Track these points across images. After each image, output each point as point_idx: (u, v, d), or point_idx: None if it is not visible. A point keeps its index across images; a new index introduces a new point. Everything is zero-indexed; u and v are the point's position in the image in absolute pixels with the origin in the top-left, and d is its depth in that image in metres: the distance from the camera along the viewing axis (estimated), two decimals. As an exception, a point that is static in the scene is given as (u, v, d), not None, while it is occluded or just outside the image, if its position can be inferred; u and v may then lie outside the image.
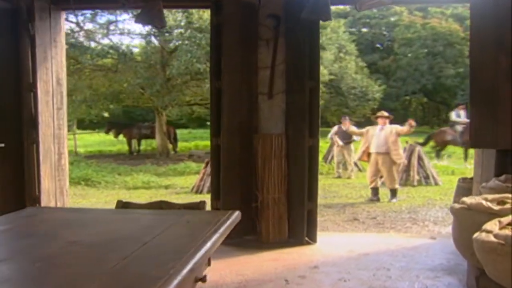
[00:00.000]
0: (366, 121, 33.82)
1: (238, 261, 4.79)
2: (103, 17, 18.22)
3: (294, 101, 5.41)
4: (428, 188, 11.23)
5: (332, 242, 5.48)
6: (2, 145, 5.29)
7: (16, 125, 5.45)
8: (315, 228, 5.42)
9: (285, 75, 5.49)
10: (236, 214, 2.65)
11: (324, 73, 23.44)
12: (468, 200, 3.79)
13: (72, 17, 17.74)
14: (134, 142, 21.18)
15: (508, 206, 3.61)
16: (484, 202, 3.62)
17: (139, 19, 4.55)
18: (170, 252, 1.89)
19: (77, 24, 17.80)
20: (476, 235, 3.26)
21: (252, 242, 5.41)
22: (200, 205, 3.14)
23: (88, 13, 18.27)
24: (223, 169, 5.34)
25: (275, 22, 5.44)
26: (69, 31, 17.58)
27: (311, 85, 5.31)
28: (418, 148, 12.15)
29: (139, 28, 22.80)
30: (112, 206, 8.49)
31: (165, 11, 15.11)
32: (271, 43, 5.56)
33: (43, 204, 5.52)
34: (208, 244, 1.99)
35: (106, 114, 21.60)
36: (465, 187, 5.84)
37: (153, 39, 18.03)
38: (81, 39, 17.20)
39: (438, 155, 16.25)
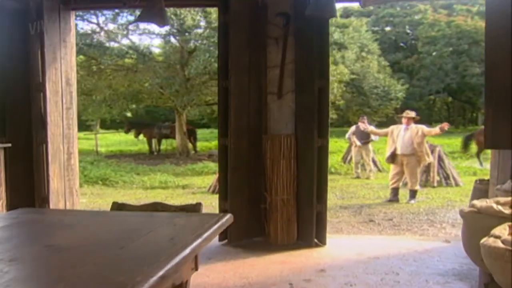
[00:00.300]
0: (389, 121, 33.49)
1: (244, 263, 4.71)
2: (124, 18, 18.36)
3: (303, 101, 5.31)
4: (448, 189, 10.99)
5: (342, 245, 5.36)
6: (9, 145, 5.31)
7: (25, 125, 5.46)
8: (324, 230, 5.30)
9: (294, 75, 5.41)
10: (227, 218, 2.55)
11: (345, 72, 23.21)
12: (478, 203, 3.64)
13: (93, 18, 17.92)
14: (154, 141, 21.27)
15: (519, 210, 3.45)
16: (494, 206, 3.47)
17: (140, 17, 4.51)
18: (145, 258, 1.81)
19: (98, 24, 17.95)
20: (483, 240, 3.12)
21: (261, 244, 5.34)
22: (196, 207, 3.06)
23: (109, 13, 18.45)
24: (230, 170, 5.27)
25: (285, 20, 5.36)
26: (89, 32, 17.77)
27: (320, 84, 5.20)
28: (438, 148, 11.90)
29: (158, 28, 22.88)
30: None
31: (183, 11, 15.12)
32: (281, 41, 5.48)
33: (51, 204, 5.53)
34: (187, 250, 1.90)
35: (129, 114, 21.72)
36: (482, 189, 5.66)
37: (172, 39, 18.08)
38: (102, 39, 17.30)
39: (479, 157, 14.73)
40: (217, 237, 5.38)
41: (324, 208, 5.27)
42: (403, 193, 9.68)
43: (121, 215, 2.63)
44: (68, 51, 5.73)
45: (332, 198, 10.17)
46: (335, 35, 29.54)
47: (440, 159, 11.58)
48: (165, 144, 22.00)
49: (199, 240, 2.06)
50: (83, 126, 31.17)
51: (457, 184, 11.37)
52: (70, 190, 5.83)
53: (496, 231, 3.14)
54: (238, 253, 5.02)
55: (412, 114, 9.65)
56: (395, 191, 9.59)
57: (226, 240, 5.35)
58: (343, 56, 27.86)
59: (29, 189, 5.48)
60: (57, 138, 5.60)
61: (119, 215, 2.65)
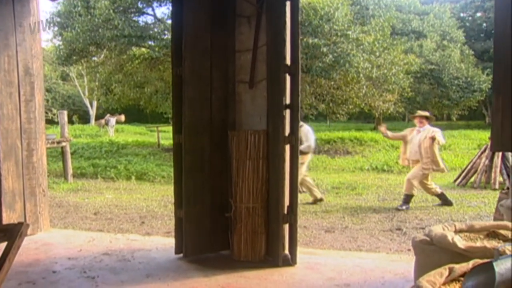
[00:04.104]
0: (471, 114, 30.97)
1: (183, 285, 3.93)
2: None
3: (272, 92, 4.41)
4: (512, 193, 9.46)
5: (315, 265, 4.39)
6: None
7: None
8: (295, 246, 4.37)
9: (266, 60, 4.53)
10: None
11: (418, 62, 21.47)
12: (435, 230, 2.61)
13: (150, 10, 17.81)
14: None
15: (485, 243, 2.39)
16: (449, 236, 2.44)
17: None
18: None
19: (154, 16, 17.78)
20: (418, 282, 2.15)
21: (221, 260, 4.55)
22: (16, 228, 2.35)
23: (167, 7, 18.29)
24: (185, 173, 4.48)
25: (259, -5, 4.49)
26: (146, 24, 17.67)
27: (289, 72, 4.26)
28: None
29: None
30: (147, 202, 7.90)
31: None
32: (253, 21, 4.61)
33: (5, 205, 5.06)
34: None
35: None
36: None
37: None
38: (156, 30, 17.09)
39: None
40: (173, 249, 4.66)
41: (294, 219, 4.34)
42: (456, 195, 8.44)
43: None
44: (27, 37, 5.21)
45: (372, 200, 9.15)
46: (413, 23, 27.65)
47: (504, 158, 10.04)
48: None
49: None
50: (162, 118, 31.65)
51: (524, 187, 9.79)
52: (32, 190, 5.34)
53: (431, 276, 2.15)
54: (186, 271, 4.25)
55: (425, 113, 8.46)
56: (407, 198, 8.29)
57: (182, 254, 4.59)
58: (421, 45, 25.97)
59: (-20, 189, 5.05)
60: (12, 133, 5.11)
61: None
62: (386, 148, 16.70)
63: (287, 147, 4.32)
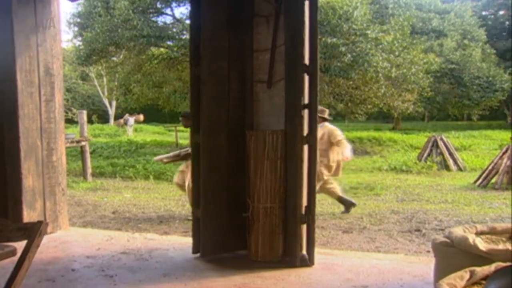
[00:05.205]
0: (492, 114, 30.52)
1: (199, 285, 3.93)
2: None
3: (290, 92, 4.39)
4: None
5: (333, 265, 4.36)
6: None
7: (-2, 118, 5.10)
8: (313, 247, 4.34)
9: (285, 60, 4.50)
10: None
11: (438, 62, 21.23)
12: (455, 232, 2.57)
13: (168, 10, 17.91)
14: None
15: (507, 246, 2.34)
16: (471, 238, 2.39)
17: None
18: None
19: (173, 16, 17.87)
20: (438, 285, 2.12)
21: (238, 260, 4.53)
22: (35, 227, 2.37)
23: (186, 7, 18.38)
24: (202, 172, 4.48)
25: (278, -7, 4.47)
26: (164, 24, 17.77)
27: (307, 72, 4.24)
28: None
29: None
30: (165, 202, 7.85)
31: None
32: (272, 20, 4.60)
33: (25, 204, 5.12)
34: None
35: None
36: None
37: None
38: (174, 30, 17.18)
39: None
40: (190, 249, 4.66)
41: (312, 220, 4.31)
42: (476, 196, 8.29)
43: None
44: (47, 38, 5.27)
45: (390, 200, 9.07)
46: (434, 21, 27.38)
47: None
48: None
49: None
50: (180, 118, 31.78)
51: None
52: (52, 188, 5.39)
53: (451, 279, 2.11)
54: (203, 271, 4.25)
55: (323, 113, 7.25)
56: (342, 200, 7.68)
57: (199, 254, 4.60)
58: (441, 44, 25.71)
59: (1, 188, 5.11)
60: (32, 133, 5.17)
61: None
62: (405, 148, 16.56)
63: (305, 147, 4.29)
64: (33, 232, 2.33)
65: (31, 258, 2.31)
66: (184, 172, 7.15)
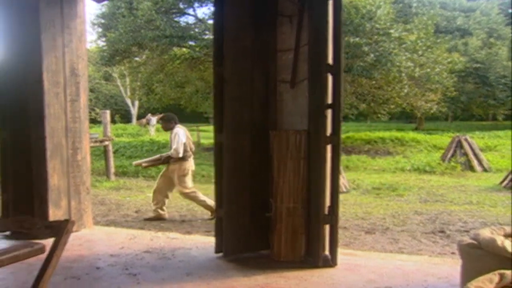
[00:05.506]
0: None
1: (222, 284, 3.94)
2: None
3: (314, 91, 4.37)
4: None
5: (356, 266, 4.33)
6: None
7: (24, 118, 5.17)
8: (336, 247, 4.32)
9: (308, 59, 4.49)
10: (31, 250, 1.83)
11: (462, 61, 20.93)
12: (482, 233, 2.53)
13: (191, 11, 17.99)
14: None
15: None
16: (498, 240, 2.35)
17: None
18: None
19: (195, 16, 17.95)
20: (465, 291, 2.09)
21: (260, 260, 4.52)
22: (62, 225, 2.40)
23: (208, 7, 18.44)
24: (226, 172, 4.49)
25: (301, -7, 4.46)
26: (187, 24, 17.85)
27: (331, 71, 4.21)
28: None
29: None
30: (187, 201, 7.82)
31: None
32: (295, 20, 4.59)
33: (51, 202, 5.19)
34: None
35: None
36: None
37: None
38: (197, 30, 17.24)
39: None
40: (212, 248, 4.68)
41: (335, 220, 4.29)
42: (502, 198, 8.15)
43: None
44: (73, 39, 5.33)
45: (413, 201, 8.99)
46: (458, 20, 27.01)
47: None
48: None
49: None
50: (202, 118, 31.95)
51: None
52: (76, 187, 5.46)
53: (480, 282, 2.08)
54: (226, 270, 4.26)
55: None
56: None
57: (222, 253, 4.61)
58: (466, 43, 25.34)
59: (27, 186, 5.19)
60: (58, 132, 5.24)
61: None
62: (428, 148, 16.37)
63: (328, 147, 4.27)
64: (60, 230, 2.36)
65: (58, 255, 2.34)
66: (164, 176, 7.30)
